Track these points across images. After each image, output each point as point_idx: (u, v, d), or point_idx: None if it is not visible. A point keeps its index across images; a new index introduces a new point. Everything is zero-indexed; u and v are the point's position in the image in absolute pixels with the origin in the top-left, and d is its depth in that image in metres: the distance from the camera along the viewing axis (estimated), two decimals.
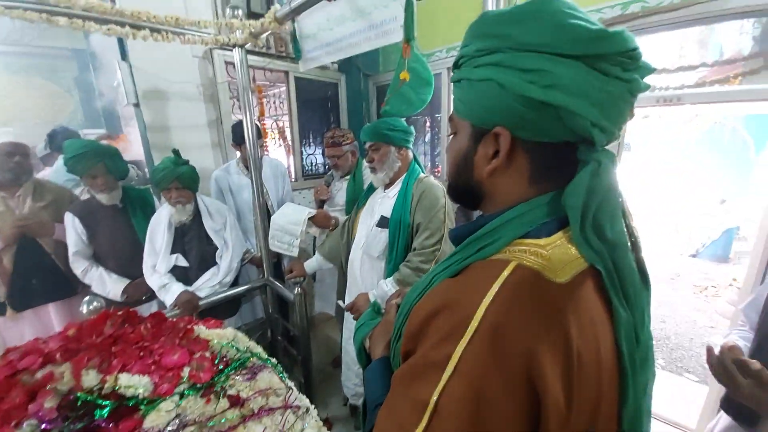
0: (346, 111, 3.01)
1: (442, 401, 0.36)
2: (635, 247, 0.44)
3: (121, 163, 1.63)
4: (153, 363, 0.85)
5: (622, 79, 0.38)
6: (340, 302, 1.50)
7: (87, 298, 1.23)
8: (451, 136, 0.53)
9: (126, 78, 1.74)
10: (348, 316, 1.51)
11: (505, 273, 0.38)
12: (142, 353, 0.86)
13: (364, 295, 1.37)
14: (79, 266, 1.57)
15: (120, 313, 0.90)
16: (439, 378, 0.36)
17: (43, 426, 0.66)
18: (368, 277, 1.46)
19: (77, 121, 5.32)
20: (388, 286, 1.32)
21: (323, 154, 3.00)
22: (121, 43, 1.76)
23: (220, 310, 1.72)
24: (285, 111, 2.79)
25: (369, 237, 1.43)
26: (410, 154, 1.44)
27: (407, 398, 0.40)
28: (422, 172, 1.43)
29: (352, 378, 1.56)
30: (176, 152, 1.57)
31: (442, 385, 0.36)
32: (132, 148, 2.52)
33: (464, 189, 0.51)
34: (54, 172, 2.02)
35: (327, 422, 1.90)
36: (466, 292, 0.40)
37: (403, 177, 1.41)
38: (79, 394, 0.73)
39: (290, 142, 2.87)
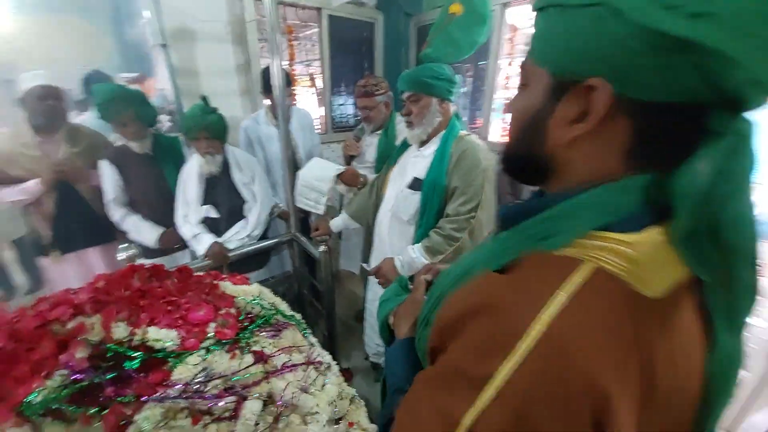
0: (382, 56, 2.76)
1: (478, 429, 0.30)
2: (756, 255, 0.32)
3: (150, 110, 1.59)
4: (180, 318, 0.85)
5: None
6: (365, 265, 1.46)
7: (123, 245, 1.26)
8: (519, 89, 0.40)
9: (153, 15, 1.64)
10: (372, 279, 1.48)
11: (577, 278, 0.30)
12: (169, 307, 0.86)
13: (390, 260, 1.31)
14: (116, 213, 1.61)
15: (147, 266, 0.90)
16: (474, 398, 0.30)
17: (74, 376, 0.68)
18: (396, 241, 1.39)
19: (114, 63, 5.37)
20: (416, 253, 1.25)
21: (355, 104, 2.83)
22: None
23: (249, 262, 1.76)
24: (317, 55, 2.60)
25: (399, 199, 1.33)
26: (452, 108, 1.28)
27: (433, 407, 0.34)
28: (463, 128, 1.28)
29: (374, 338, 1.58)
30: (205, 99, 1.51)
31: (480, 410, 0.30)
32: (161, 93, 2.49)
33: (527, 160, 0.40)
34: (89, 118, 2.03)
35: (348, 372, 1.99)
36: (519, 296, 0.32)
37: (441, 134, 1.26)
38: (109, 345, 0.75)
39: (320, 91, 2.71)
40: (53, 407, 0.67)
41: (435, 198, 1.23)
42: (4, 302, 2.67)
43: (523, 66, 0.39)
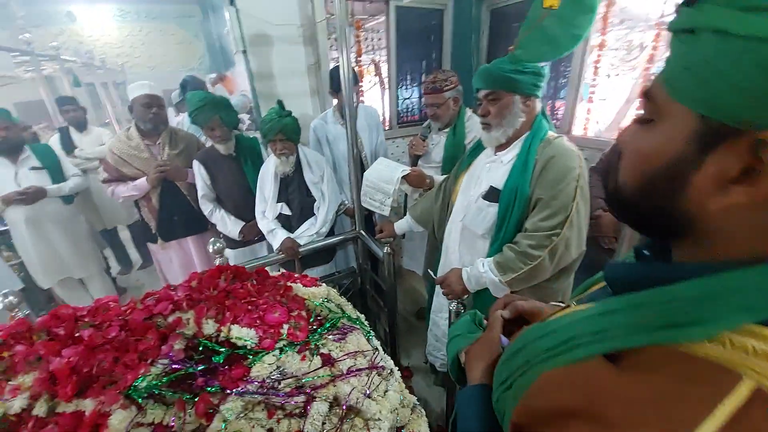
0: (451, 45, 2.62)
1: None
2: None
3: (233, 114, 1.73)
4: (258, 318, 0.92)
5: None
6: (431, 272, 1.41)
7: (212, 239, 1.40)
8: (638, 124, 0.33)
9: (234, 23, 1.76)
10: (439, 288, 1.39)
11: (734, 401, 0.22)
12: (249, 307, 0.93)
13: (457, 271, 1.21)
14: (205, 208, 1.81)
15: (232, 267, 0.99)
16: None
17: (173, 365, 0.77)
18: (466, 254, 1.27)
19: (205, 66, 6.02)
20: (485, 267, 1.13)
21: (420, 97, 2.75)
22: None
23: (317, 257, 1.85)
24: (382, 45, 2.57)
25: (472, 210, 1.20)
26: (538, 106, 1.10)
27: None
28: (550, 129, 1.11)
29: (440, 348, 1.52)
30: (280, 103, 1.59)
31: None
32: (242, 93, 2.70)
33: (655, 214, 0.32)
34: (185, 120, 2.29)
35: (408, 370, 2.00)
36: (643, 415, 0.25)
37: (524, 137, 1.10)
38: (200, 339, 0.84)
39: (386, 84, 2.68)
40: (155, 392, 0.77)
41: (516, 211, 1.08)
42: (124, 274, 3.24)
43: (650, 95, 0.31)
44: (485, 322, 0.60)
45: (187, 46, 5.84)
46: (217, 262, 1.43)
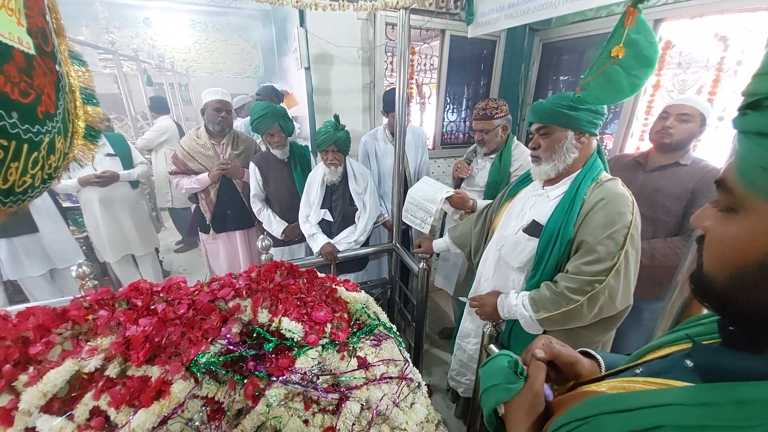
0: (500, 74, 2.68)
1: None
2: None
3: (290, 122, 1.87)
4: (305, 314, 0.98)
5: None
6: (463, 298, 1.40)
7: (261, 236, 1.50)
8: (719, 211, 0.33)
9: (302, 43, 1.92)
10: (469, 311, 1.40)
11: None
12: (298, 303, 1.01)
13: (494, 297, 1.20)
14: (255, 206, 1.95)
15: (287, 264, 1.07)
16: None
17: (229, 347, 0.85)
18: (500, 285, 1.25)
19: (259, 74, 6.46)
20: (517, 301, 1.11)
21: (465, 122, 2.82)
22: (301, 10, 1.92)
23: (351, 264, 1.92)
24: (430, 67, 2.67)
25: (511, 241, 1.17)
26: (594, 143, 1.08)
27: None
28: (605, 170, 1.09)
29: (464, 374, 1.50)
30: (337, 117, 1.70)
31: None
32: (297, 106, 2.89)
33: (748, 312, 0.31)
34: (244, 124, 2.49)
35: (429, 389, 1.99)
36: None
37: (575, 174, 1.07)
38: (254, 326, 0.91)
39: (428, 103, 2.77)
40: (213, 368, 0.84)
41: (556, 250, 1.05)
42: (184, 251, 3.50)
43: (726, 186, 0.31)
44: (526, 370, 0.54)
45: (245, 56, 6.34)
46: (263, 257, 1.53)
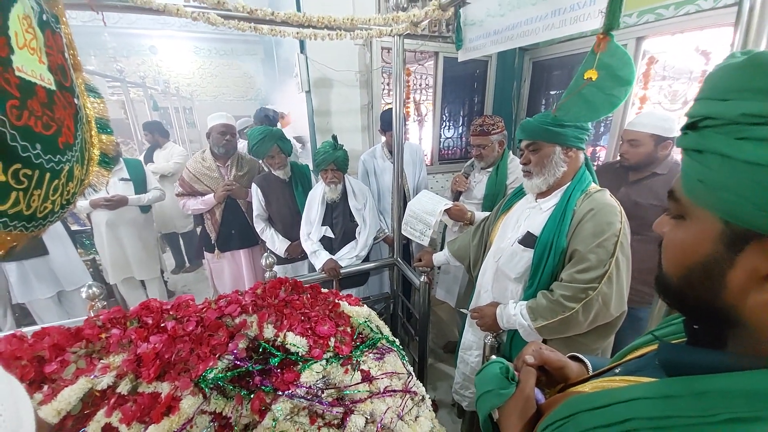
0: (493, 92, 2.78)
1: None
2: None
3: (288, 143, 1.94)
4: (309, 328, 1.01)
5: None
6: (464, 311, 1.42)
7: (265, 254, 1.54)
8: (671, 218, 0.37)
9: (302, 69, 2.02)
10: (471, 324, 1.42)
11: None
12: (302, 318, 1.03)
13: (493, 307, 1.24)
14: (258, 226, 2.00)
15: (291, 281, 1.10)
16: None
17: (236, 362, 0.87)
18: (499, 296, 1.30)
19: (261, 97, 6.66)
20: (515, 310, 1.15)
21: (461, 138, 2.90)
22: None
23: (353, 279, 1.94)
24: (426, 85, 2.77)
25: (507, 252, 1.22)
26: (581, 157, 1.15)
27: None
28: (593, 181, 1.15)
29: (468, 387, 1.51)
30: (335, 138, 1.77)
31: None
32: (296, 126, 2.99)
33: (698, 308, 0.34)
34: (242, 145, 2.57)
35: (434, 404, 1.97)
36: None
37: (566, 187, 1.13)
38: (261, 341, 0.94)
39: (425, 121, 2.86)
40: (220, 384, 0.86)
41: (550, 259, 1.09)
42: (177, 273, 3.53)
43: (675, 195, 0.35)
44: (517, 375, 0.58)
45: (247, 79, 6.57)
46: (267, 275, 1.56)
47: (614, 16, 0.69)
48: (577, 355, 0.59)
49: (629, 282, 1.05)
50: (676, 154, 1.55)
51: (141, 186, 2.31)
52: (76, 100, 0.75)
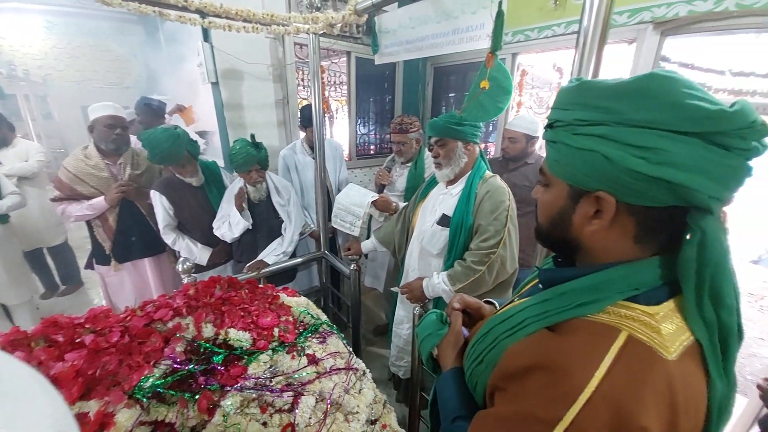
0: (402, 92, 3.02)
1: None
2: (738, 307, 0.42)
3: (196, 145, 1.77)
4: (251, 322, 1.02)
5: (742, 149, 0.37)
6: (394, 289, 1.58)
7: (181, 258, 1.43)
8: (542, 186, 0.52)
9: (208, 58, 1.88)
10: (401, 300, 1.59)
11: (617, 344, 0.39)
12: (243, 313, 1.03)
13: (420, 280, 1.43)
14: (168, 238, 1.76)
15: (225, 278, 1.08)
16: None
17: (174, 366, 0.83)
18: (425, 271, 1.50)
19: (141, 85, 5.74)
20: (439, 279, 1.36)
21: (375, 135, 3.08)
22: None
23: (281, 276, 1.92)
24: (339, 82, 2.85)
25: (428, 234, 1.43)
26: (477, 150, 1.40)
27: None
28: (488, 169, 1.41)
29: (403, 357, 1.68)
30: (253, 137, 1.70)
31: None
32: (201, 120, 2.73)
33: (558, 241, 0.51)
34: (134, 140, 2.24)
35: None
36: (574, 360, 0.40)
37: (468, 175, 1.38)
38: (200, 342, 0.91)
39: (336, 117, 2.95)
40: (159, 391, 0.82)
41: (462, 235, 1.33)
42: (48, 298, 2.83)
43: (543, 171, 0.51)
44: (449, 319, 0.73)
45: (122, 64, 5.55)
46: (186, 281, 1.45)
47: (497, 40, 0.91)
48: (490, 300, 0.78)
49: (518, 245, 1.35)
50: (540, 150, 2.02)
51: None
52: None
